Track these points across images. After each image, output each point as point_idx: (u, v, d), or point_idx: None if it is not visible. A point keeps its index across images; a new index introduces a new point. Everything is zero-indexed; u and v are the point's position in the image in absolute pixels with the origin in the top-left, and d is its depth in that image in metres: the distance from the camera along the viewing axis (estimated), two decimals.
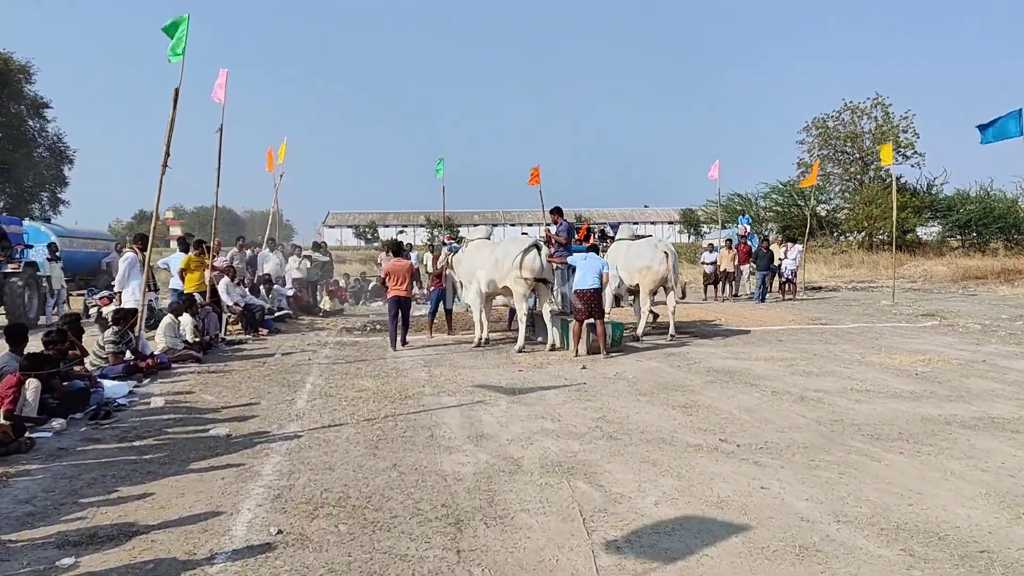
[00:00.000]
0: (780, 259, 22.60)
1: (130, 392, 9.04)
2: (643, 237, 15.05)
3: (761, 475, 5.63)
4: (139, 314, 11.04)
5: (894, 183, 23.48)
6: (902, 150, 50.42)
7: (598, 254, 12.51)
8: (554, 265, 14.19)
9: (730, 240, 24.26)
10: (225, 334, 14.59)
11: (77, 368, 9.01)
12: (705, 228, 79.42)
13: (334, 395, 8.89)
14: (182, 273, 13.62)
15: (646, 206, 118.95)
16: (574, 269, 12.23)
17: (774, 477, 5.58)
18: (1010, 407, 7.74)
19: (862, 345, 12.43)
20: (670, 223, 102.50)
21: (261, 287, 16.86)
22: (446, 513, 4.90)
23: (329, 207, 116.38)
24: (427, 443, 6.66)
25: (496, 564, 4.14)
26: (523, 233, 19.96)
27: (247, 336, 14.50)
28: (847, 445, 6.43)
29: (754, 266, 23.30)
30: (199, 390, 9.31)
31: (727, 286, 23.12)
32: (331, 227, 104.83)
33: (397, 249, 14.00)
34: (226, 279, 15.12)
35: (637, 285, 13.74)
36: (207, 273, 14.14)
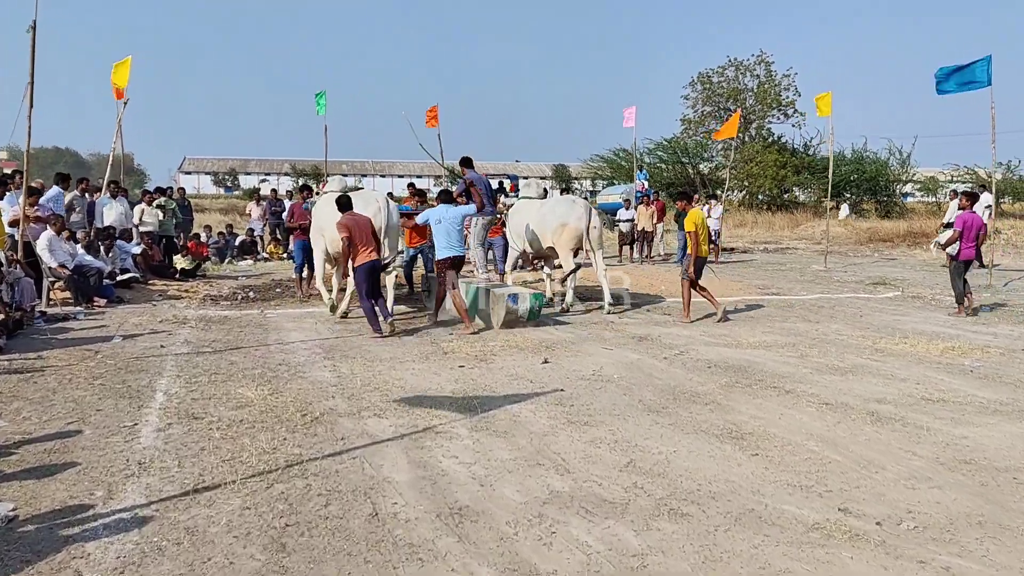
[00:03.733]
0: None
1: None
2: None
3: None
4: None
5: (831, 142, 21.34)
6: (783, 108, 50.23)
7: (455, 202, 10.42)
8: (473, 224, 11.93)
9: (648, 196, 22.15)
10: (47, 305, 11.09)
11: None
12: (576, 184, 77.97)
13: (201, 416, 5.89)
14: None
15: (518, 160, 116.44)
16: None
17: None
18: None
19: (853, 325, 10.40)
20: (542, 178, 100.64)
21: (100, 243, 13.22)
22: None
23: (185, 152, 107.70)
24: (370, 535, 3.86)
25: None
26: (409, 185, 17.20)
27: (77, 309, 11.02)
28: None
29: (673, 225, 21.24)
30: None
31: (645, 246, 20.95)
32: (188, 173, 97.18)
33: (347, 203, 9.58)
34: (50, 232, 11.51)
35: (549, 248, 11.67)
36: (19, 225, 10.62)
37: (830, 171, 20.57)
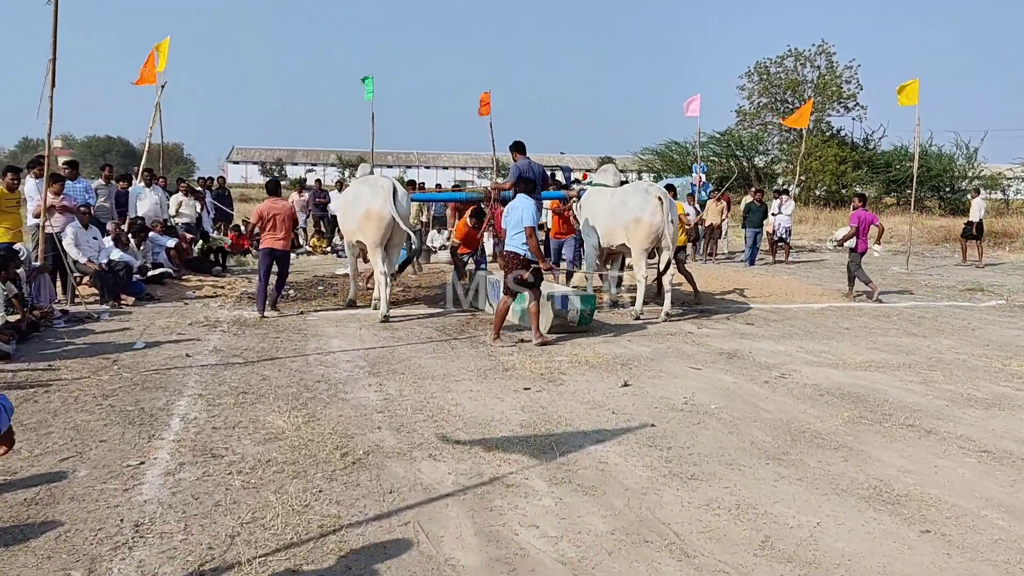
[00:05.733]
0: (773, 214, 19.26)
1: None
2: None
3: None
4: None
5: (917, 133, 19.16)
6: (844, 101, 48.23)
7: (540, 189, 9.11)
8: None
9: (718, 189, 20.86)
10: (71, 302, 10.24)
11: None
12: (622, 176, 76.36)
13: (220, 454, 4.86)
14: None
15: (562, 152, 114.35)
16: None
17: None
18: None
19: (969, 341, 9.09)
20: (588, 171, 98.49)
21: (131, 235, 12.33)
22: None
23: (234, 142, 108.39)
24: None
25: None
26: (405, 179, 16.39)
27: (102, 308, 10.13)
28: None
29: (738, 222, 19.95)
30: None
31: (712, 244, 19.67)
32: (236, 163, 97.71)
33: (274, 188, 10.76)
34: (76, 224, 10.65)
35: (621, 245, 10.29)
36: (48, 215, 9.76)
37: (915, 166, 19.08)
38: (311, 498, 4.16)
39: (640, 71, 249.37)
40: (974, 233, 18.94)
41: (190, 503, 4.09)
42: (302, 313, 10.21)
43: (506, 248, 8.59)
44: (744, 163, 51.04)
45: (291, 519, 3.89)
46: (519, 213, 8.46)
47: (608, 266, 11.41)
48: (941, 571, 3.49)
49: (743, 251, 19.11)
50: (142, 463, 4.68)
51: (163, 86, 14.86)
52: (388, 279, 9.87)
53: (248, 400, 6.07)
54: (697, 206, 20.02)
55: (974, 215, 19.14)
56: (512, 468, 4.66)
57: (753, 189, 21.77)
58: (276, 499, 4.12)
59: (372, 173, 10.68)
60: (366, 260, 10.57)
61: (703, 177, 26.80)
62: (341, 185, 22.48)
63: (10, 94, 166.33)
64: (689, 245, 19.76)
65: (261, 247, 9.94)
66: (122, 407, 5.82)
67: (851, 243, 12.68)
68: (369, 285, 11.19)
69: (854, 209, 13.08)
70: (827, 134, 48.61)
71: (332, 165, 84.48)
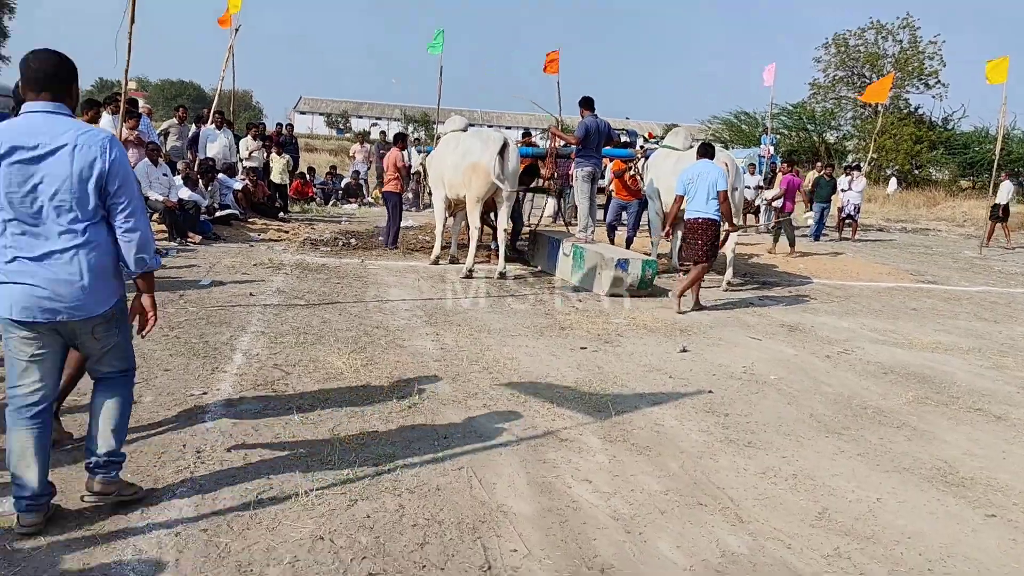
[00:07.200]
0: (842, 190, 18.72)
1: None
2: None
3: None
4: None
5: (1003, 113, 18.37)
6: (925, 78, 46.32)
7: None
8: (574, 177, 10.64)
9: (787, 162, 20.32)
10: None
11: None
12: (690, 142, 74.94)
13: (280, 390, 4.94)
14: None
15: (627, 117, 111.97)
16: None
17: None
18: None
19: None
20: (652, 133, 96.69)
21: (200, 176, 12.53)
22: None
23: (302, 92, 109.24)
24: None
25: None
26: (525, 134, 16.33)
27: (171, 244, 10.35)
28: None
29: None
30: None
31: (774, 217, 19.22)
32: (303, 113, 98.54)
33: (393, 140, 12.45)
34: (147, 161, 10.86)
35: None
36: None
37: (997, 147, 18.20)
38: (368, 437, 4.21)
39: (709, 38, 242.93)
40: (1000, 215, 19.32)
41: (250, 433, 4.17)
42: (363, 261, 10.31)
43: (697, 215, 8.23)
44: (815, 138, 49.65)
45: (347, 456, 3.94)
46: (712, 178, 8.15)
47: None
48: (1004, 555, 3.39)
49: (808, 226, 18.67)
50: (205, 393, 4.79)
51: (237, 29, 14.97)
52: (480, 234, 9.82)
53: (308, 340, 6.15)
54: (759, 178, 19.56)
55: (1001, 198, 19.43)
56: (566, 423, 4.65)
57: (821, 164, 21.15)
58: (333, 436, 4.18)
59: (466, 129, 10.44)
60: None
61: (771, 149, 26.10)
62: (404, 138, 22.54)
63: (88, 35, 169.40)
64: (751, 216, 19.45)
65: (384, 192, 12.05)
66: (187, 339, 5.95)
67: (779, 203, 14.18)
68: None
69: (783, 174, 14.85)
70: (904, 111, 46.88)
71: (396, 120, 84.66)
